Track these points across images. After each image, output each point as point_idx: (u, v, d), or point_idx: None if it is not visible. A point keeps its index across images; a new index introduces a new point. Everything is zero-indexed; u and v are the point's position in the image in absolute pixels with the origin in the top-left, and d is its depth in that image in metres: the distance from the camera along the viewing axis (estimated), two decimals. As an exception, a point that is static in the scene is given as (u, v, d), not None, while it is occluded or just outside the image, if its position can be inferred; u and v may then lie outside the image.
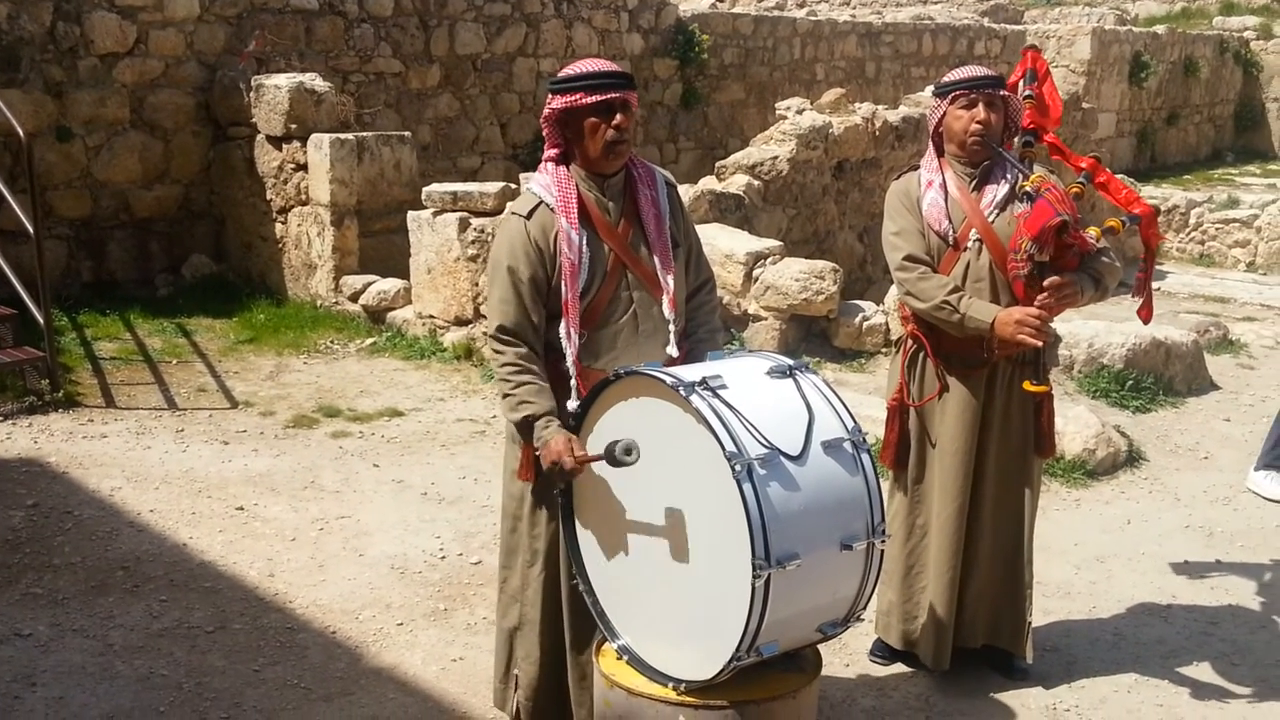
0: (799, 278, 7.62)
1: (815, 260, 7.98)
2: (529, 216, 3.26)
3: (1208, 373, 7.81)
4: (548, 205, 3.26)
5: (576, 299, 3.20)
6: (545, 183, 3.29)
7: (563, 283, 3.20)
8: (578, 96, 3.18)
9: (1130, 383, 7.28)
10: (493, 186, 7.90)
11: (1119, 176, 4.15)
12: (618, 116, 3.19)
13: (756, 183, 8.88)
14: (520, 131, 11.91)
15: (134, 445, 6.17)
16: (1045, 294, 3.69)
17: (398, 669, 4.17)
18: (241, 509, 5.44)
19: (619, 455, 2.90)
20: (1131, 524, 5.59)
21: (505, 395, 3.24)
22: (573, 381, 3.20)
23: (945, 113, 3.93)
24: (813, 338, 7.87)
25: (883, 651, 4.24)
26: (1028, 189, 3.74)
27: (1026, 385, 3.85)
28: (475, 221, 7.73)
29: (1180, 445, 6.68)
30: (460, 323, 7.89)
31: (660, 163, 13.15)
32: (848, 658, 4.28)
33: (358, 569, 4.91)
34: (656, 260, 3.30)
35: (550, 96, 3.24)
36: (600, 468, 3.05)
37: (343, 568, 4.91)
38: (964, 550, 4.00)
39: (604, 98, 3.17)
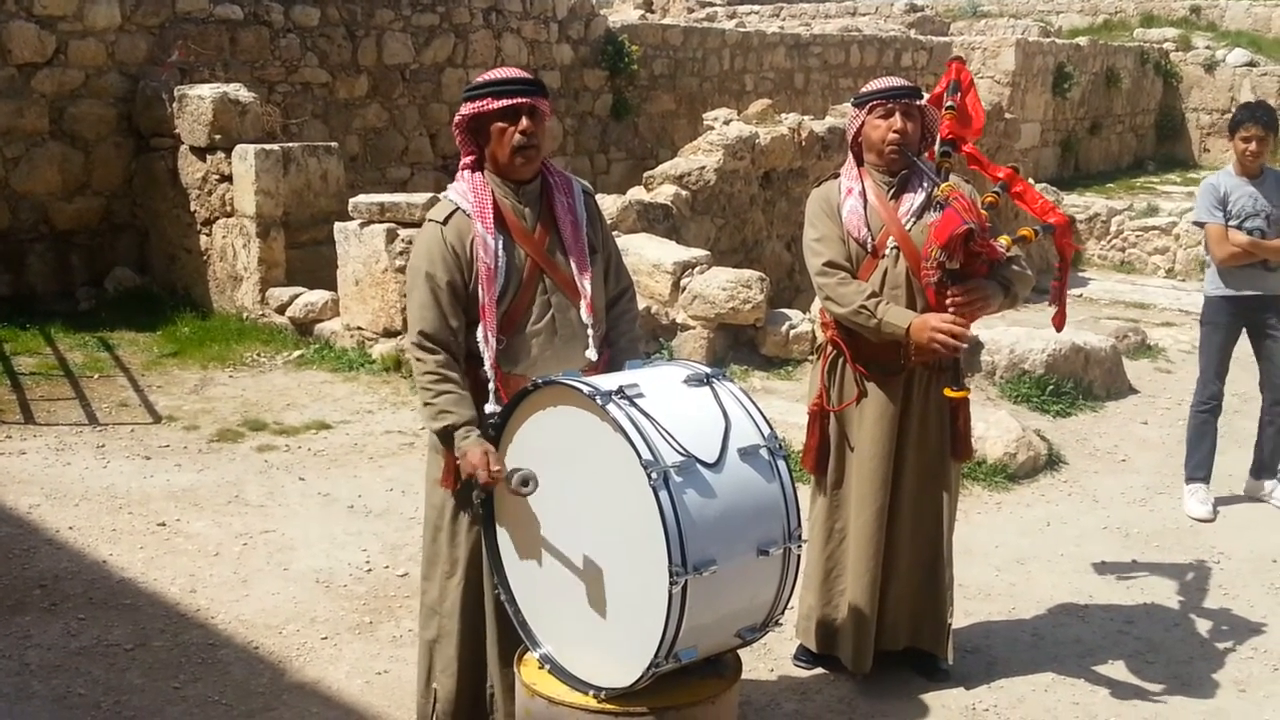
0: (726, 287, 7.68)
1: (743, 269, 8.05)
2: (445, 222, 3.28)
3: (1126, 377, 7.99)
4: (464, 211, 3.28)
5: (494, 303, 3.22)
6: (461, 190, 3.32)
7: (480, 288, 3.22)
8: (485, 102, 3.22)
9: (1051, 388, 7.42)
10: (420, 197, 7.87)
11: (1038, 186, 4.24)
12: (524, 121, 3.22)
13: (684, 193, 8.93)
14: (450, 142, 11.84)
15: (53, 462, 6.06)
16: (955, 300, 3.76)
17: (321, 683, 4.13)
18: (163, 525, 5.37)
19: (514, 485, 2.98)
20: (1051, 526, 5.70)
21: (426, 404, 3.25)
22: (491, 385, 3.22)
23: (864, 122, 3.99)
24: (740, 346, 7.93)
25: (805, 656, 4.28)
26: (938, 198, 3.81)
27: (946, 391, 3.92)
28: (403, 232, 7.70)
29: (1099, 449, 6.82)
30: (389, 334, 7.84)
31: (592, 173, 13.22)
32: (772, 662, 4.31)
33: (282, 583, 4.86)
34: (574, 266, 3.33)
35: (463, 104, 3.28)
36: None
37: (266, 582, 4.86)
38: (884, 554, 4.05)
39: (511, 103, 3.20)
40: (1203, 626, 4.72)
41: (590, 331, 3.32)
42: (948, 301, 3.77)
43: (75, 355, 7.89)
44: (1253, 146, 5.63)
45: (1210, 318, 5.90)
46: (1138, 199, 14.42)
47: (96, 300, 9.13)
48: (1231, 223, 5.67)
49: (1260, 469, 6.07)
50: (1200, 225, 5.88)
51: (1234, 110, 5.98)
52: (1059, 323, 4.15)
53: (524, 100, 3.22)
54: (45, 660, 4.19)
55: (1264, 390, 5.98)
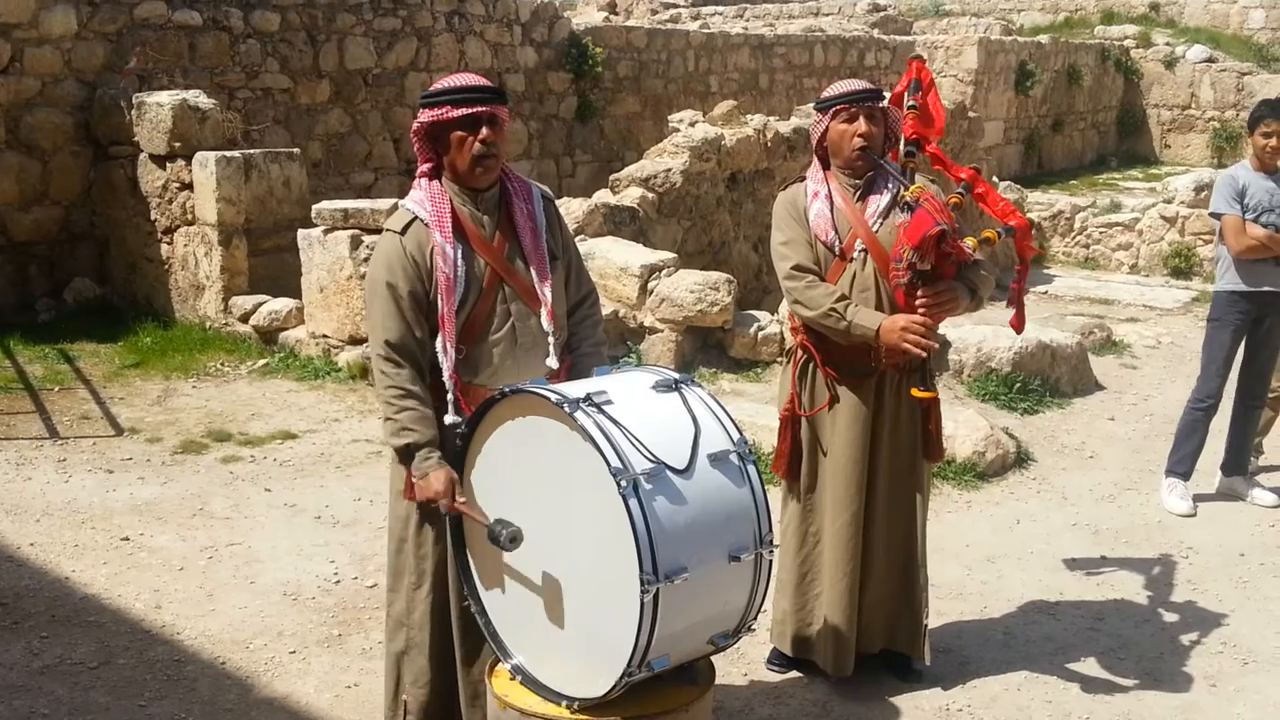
0: (694, 289, 7.66)
1: (710, 272, 8.03)
2: (404, 232, 3.24)
3: (1093, 374, 8.03)
4: (422, 221, 3.24)
5: (453, 313, 3.19)
6: (419, 198, 3.28)
7: (439, 297, 3.18)
8: (444, 110, 3.18)
9: (1018, 385, 7.45)
10: (384, 203, 7.82)
11: (1002, 184, 4.24)
12: (484, 130, 3.18)
13: (651, 195, 8.91)
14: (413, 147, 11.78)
15: (13, 477, 5.97)
16: (924, 300, 3.75)
17: (290, 698, 4.08)
18: (127, 539, 5.29)
19: (504, 542, 2.95)
20: (1021, 524, 5.71)
21: (387, 419, 3.22)
22: (450, 396, 3.19)
23: (828, 127, 3.98)
24: (709, 349, 7.92)
25: (779, 660, 4.27)
26: (908, 199, 3.80)
27: (914, 392, 3.91)
28: (368, 239, 7.64)
29: (1067, 445, 6.84)
30: (355, 342, 7.78)
31: (557, 177, 13.18)
32: (745, 667, 4.30)
33: (249, 597, 4.80)
34: (534, 273, 3.30)
35: (420, 110, 3.23)
36: (488, 482, 3.05)
37: (233, 596, 4.80)
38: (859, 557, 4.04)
39: (470, 111, 3.17)
40: (1173, 622, 4.74)
41: (551, 339, 3.29)
42: (917, 303, 3.76)
43: (35, 368, 7.78)
44: (1273, 142, 5.63)
45: (1220, 314, 5.85)
46: (1101, 195, 14.51)
47: (56, 312, 9.00)
48: (1249, 215, 5.67)
49: (1234, 465, 6.10)
50: (1217, 216, 5.82)
51: (1254, 106, 5.98)
52: (1017, 325, 4.15)
53: (483, 109, 3.18)
54: (7, 680, 4.11)
55: (1242, 388, 6.00)
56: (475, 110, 3.17)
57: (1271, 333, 5.84)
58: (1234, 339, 5.84)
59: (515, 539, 2.95)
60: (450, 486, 3.06)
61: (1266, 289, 5.71)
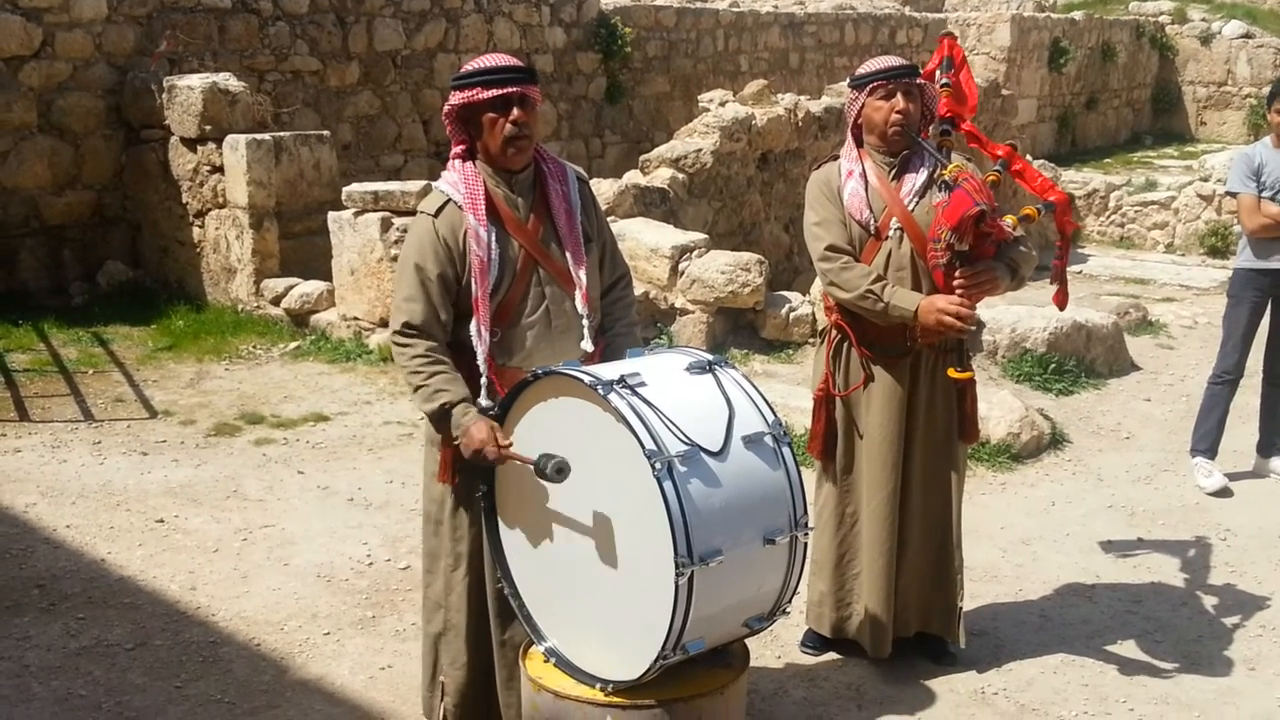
0: (725, 270, 7.62)
1: (741, 252, 7.99)
2: (437, 215, 3.22)
3: (1128, 354, 7.95)
4: (455, 203, 3.22)
5: (487, 296, 3.17)
6: (453, 180, 3.25)
7: (473, 281, 3.16)
8: (475, 91, 3.16)
9: (1053, 366, 7.38)
10: (414, 185, 7.81)
11: (1036, 163, 4.19)
12: (515, 111, 3.16)
13: (681, 176, 8.87)
14: (443, 129, 11.67)
15: (49, 459, 6.01)
16: (962, 281, 3.70)
17: (325, 680, 4.09)
18: (161, 521, 5.32)
19: (550, 473, 2.88)
20: (1056, 506, 5.66)
21: (418, 387, 3.17)
22: (484, 380, 3.17)
23: (864, 104, 3.93)
24: (740, 330, 7.88)
25: (814, 642, 4.25)
26: (945, 178, 3.75)
27: (950, 372, 3.87)
28: (398, 221, 7.64)
29: (1102, 426, 6.78)
30: (385, 324, 7.77)
31: (587, 158, 13.14)
32: (779, 649, 4.28)
33: (283, 579, 4.82)
34: (568, 256, 3.27)
35: (451, 92, 3.21)
36: (521, 469, 3.02)
37: (267, 578, 4.82)
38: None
39: (501, 92, 3.14)
40: (1211, 604, 4.69)
41: (585, 322, 3.27)
42: (955, 283, 3.71)
43: (69, 351, 7.83)
44: None
45: (1237, 291, 5.82)
46: (1135, 174, 14.35)
47: (89, 295, 9.05)
48: (1265, 194, 5.60)
49: (1268, 446, 6.03)
50: (1233, 195, 5.80)
51: (1273, 82, 5.90)
52: (1061, 301, 4.11)
53: (514, 90, 3.15)
54: (45, 661, 4.15)
55: (1267, 368, 5.93)
56: (506, 91, 3.15)
57: None
58: (1251, 316, 5.80)
59: (562, 470, 2.87)
60: (493, 434, 3.01)
61: None
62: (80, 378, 7.32)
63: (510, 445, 3.01)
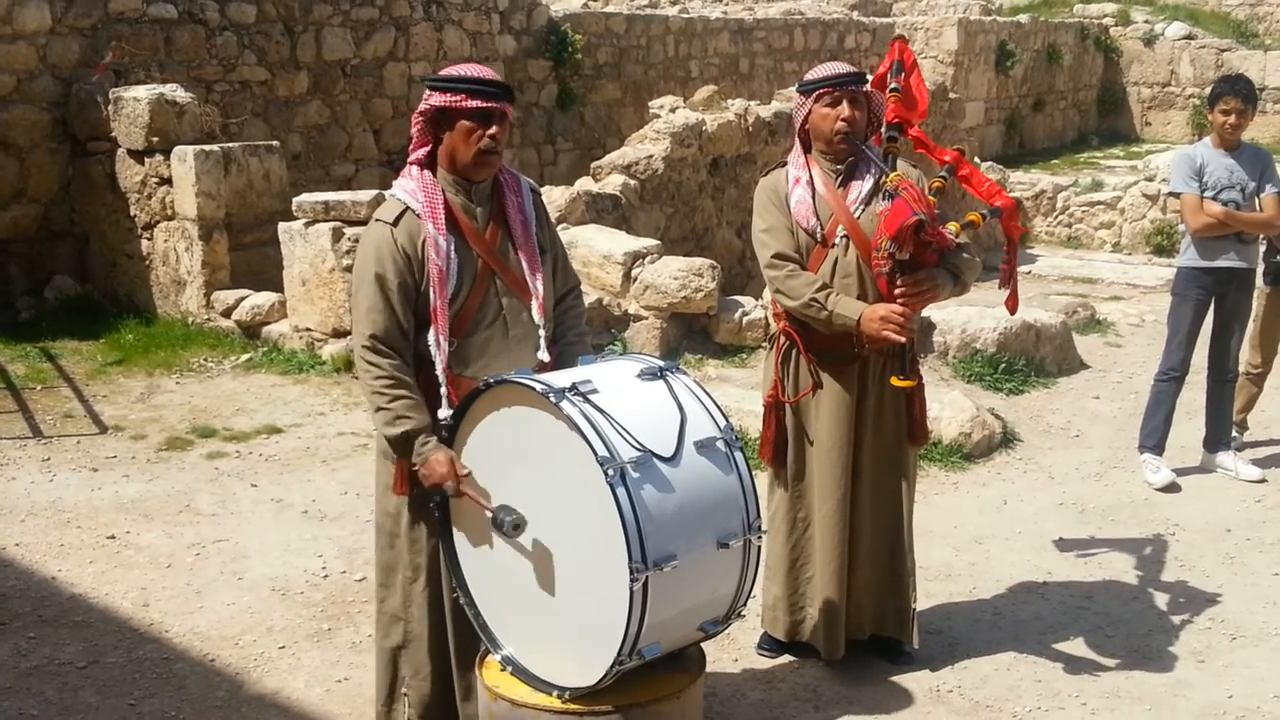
0: (678, 276, 7.65)
1: (694, 258, 8.01)
2: (395, 223, 3.21)
3: (1077, 353, 8.06)
4: (414, 211, 3.21)
5: (446, 306, 3.17)
6: (410, 188, 3.24)
7: (431, 290, 3.16)
8: (460, 98, 3.15)
9: (1003, 366, 7.46)
10: (366, 195, 7.78)
11: (984, 165, 4.23)
12: (494, 127, 3.17)
13: (633, 182, 8.89)
14: (394, 137, 11.73)
15: (-3, 477, 5.93)
16: (903, 290, 3.74)
17: (280, 694, 4.07)
18: (113, 538, 5.26)
19: (506, 529, 2.95)
20: (1008, 504, 5.73)
21: (380, 409, 3.18)
22: (443, 390, 3.16)
23: (810, 111, 3.96)
24: (694, 335, 7.91)
25: (770, 645, 4.27)
26: (887, 188, 3.79)
27: (894, 381, 3.90)
28: (349, 231, 7.60)
29: (1052, 425, 6.86)
30: (338, 334, 7.74)
31: (538, 165, 13.13)
32: (736, 653, 4.30)
33: (237, 593, 4.78)
34: (525, 265, 3.28)
35: (428, 93, 3.20)
36: (474, 474, 3.05)
37: (221, 593, 4.78)
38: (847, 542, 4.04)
39: (485, 105, 3.15)
40: (1161, 599, 4.76)
41: (541, 331, 3.28)
42: (896, 292, 3.75)
43: (16, 367, 7.72)
44: (1232, 119, 5.66)
45: (1181, 289, 5.93)
46: (1082, 174, 14.54)
47: (37, 310, 8.93)
48: (1207, 194, 5.70)
49: (1214, 442, 6.13)
50: (1176, 195, 5.90)
51: (1214, 83, 6.02)
52: (1012, 306, 4.15)
53: (497, 105, 3.17)
54: (-6, 682, 4.10)
55: (1212, 363, 6.04)
56: (490, 105, 3.16)
57: (1237, 308, 5.90)
58: (1195, 314, 5.90)
59: (519, 526, 2.94)
60: (453, 468, 3.04)
61: (1223, 265, 5.77)
62: (28, 394, 7.22)
63: (469, 474, 3.04)
